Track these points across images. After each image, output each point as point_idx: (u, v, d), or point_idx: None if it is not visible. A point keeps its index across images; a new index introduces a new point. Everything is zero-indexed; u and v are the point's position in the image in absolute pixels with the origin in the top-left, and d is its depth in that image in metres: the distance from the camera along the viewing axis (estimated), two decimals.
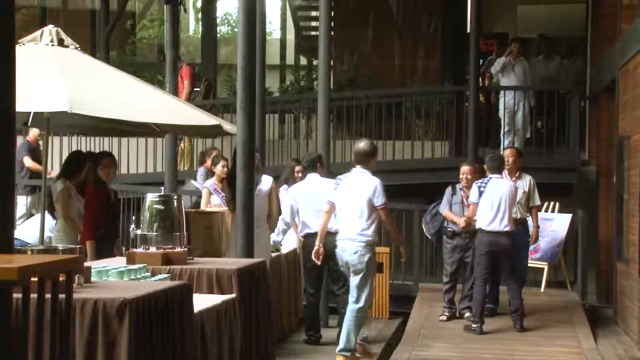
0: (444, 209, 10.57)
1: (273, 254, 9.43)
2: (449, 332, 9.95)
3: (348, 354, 8.17)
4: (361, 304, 8.13)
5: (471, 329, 9.80)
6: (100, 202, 8.52)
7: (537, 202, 10.51)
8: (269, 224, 8.99)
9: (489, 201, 9.82)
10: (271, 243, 9.21)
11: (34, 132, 12.29)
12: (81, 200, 8.64)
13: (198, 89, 14.88)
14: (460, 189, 10.51)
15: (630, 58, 10.37)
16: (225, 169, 10.31)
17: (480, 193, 9.90)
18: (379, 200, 8.09)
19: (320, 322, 9.80)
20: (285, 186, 10.30)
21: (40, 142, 12.45)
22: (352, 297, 8.18)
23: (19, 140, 12.71)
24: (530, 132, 14.65)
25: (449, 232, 10.51)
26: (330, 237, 8.57)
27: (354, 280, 8.13)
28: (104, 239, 8.55)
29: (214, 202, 10.14)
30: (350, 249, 8.15)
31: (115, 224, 9.02)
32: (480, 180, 10.07)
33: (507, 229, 9.77)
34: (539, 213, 10.89)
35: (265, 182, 8.89)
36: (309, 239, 9.17)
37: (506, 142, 14.09)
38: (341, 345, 8.20)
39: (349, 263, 8.18)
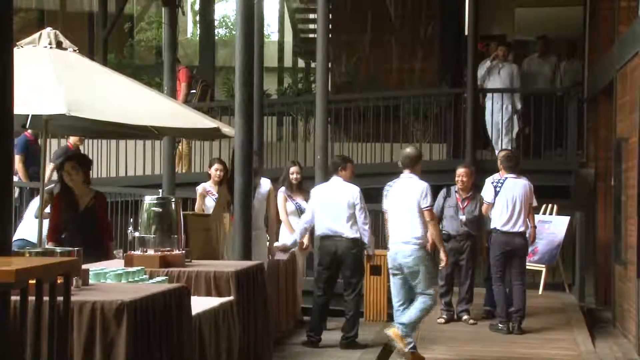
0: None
1: (277, 257, 9.48)
2: (448, 334, 9.96)
3: (410, 340, 8.53)
4: (428, 299, 8.52)
5: (498, 328, 9.93)
6: (59, 208, 8.34)
7: (534, 203, 10.46)
8: (267, 226, 9.00)
9: (504, 201, 9.87)
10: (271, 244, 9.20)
11: (74, 138, 12.13)
12: None
13: (194, 91, 14.85)
14: (456, 191, 10.52)
15: (628, 60, 10.39)
16: (219, 172, 10.30)
17: (496, 193, 9.95)
18: (425, 203, 8.52)
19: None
20: (282, 188, 10.30)
21: (80, 148, 12.40)
22: (418, 294, 8.55)
23: (57, 143, 12.71)
24: (512, 137, 14.45)
25: (443, 235, 10.51)
26: (340, 241, 9.08)
27: (413, 282, 8.50)
28: (68, 244, 8.26)
29: (208, 204, 10.14)
30: (404, 252, 8.46)
31: (87, 229, 8.25)
32: (496, 180, 10.11)
33: (521, 229, 9.84)
34: (536, 215, 10.91)
35: (264, 185, 8.91)
36: (323, 241, 9.36)
37: (503, 145, 14.08)
38: (405, 331, 8.54)
39: (404, 265, 8.47)
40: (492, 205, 9.99)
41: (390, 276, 8.83)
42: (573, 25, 15.77)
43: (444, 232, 10.49)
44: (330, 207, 9.30)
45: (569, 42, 15.41)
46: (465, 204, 10.42)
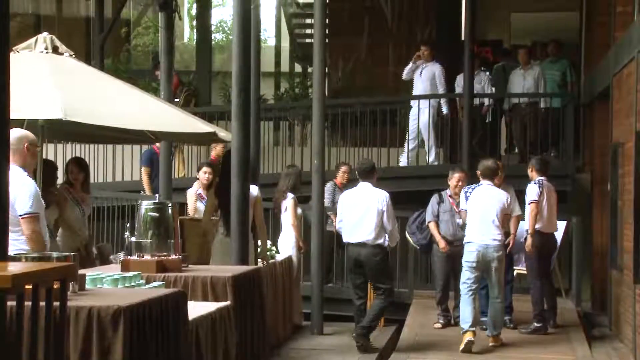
0: (430, 219, 10.55)
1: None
2: (444, 339, 9.94)
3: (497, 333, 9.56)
4: (501, 295, 9.52)
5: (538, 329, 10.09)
6: None
7: (517, 211, 10.19)
8: (254, 233, 8.91)
9: (472, 210, 9.71)
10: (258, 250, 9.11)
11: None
12: (81, 206, 8.69)
13: (177, 100, 14.71)
14: (450, 195, 10.45)
15: (624, 66, 10.41)
16: (207, 175, 10.32)
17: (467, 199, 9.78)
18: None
19: (321, 329, 9.84)
20: (290, 194, 10.29)
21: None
22: (494, 292, 9.50)
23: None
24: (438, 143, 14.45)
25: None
26: (364, 247, 9.13)
27: (495, 276, 9.41)
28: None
29: (200, 208, 10.16)
30: (493, 249, 9.35)
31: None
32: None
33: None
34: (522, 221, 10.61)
35: (251, 192, 8.78)
36: (349, 247, 9.37)
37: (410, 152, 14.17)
38: (493, 331, 9.57)
39: (493, 260, 9.33)
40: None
41: (471, 271, 9.37)
42: (569, 30, 15.79)
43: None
44: (356, 213, 9.23)
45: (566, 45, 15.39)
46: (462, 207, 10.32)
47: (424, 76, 14.34)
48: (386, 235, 9.24)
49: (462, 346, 9.29)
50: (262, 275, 7.65)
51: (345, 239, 9.48)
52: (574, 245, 12.20)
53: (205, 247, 8.64)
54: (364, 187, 9.38)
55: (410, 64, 14.39)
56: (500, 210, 9.44)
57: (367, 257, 9.21)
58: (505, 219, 9.65)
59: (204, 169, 10.51)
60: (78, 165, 8.78)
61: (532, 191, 10.15)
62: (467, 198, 9.71)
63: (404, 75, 14.47)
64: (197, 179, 10.76)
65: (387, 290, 9.41)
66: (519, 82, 14.31)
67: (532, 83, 14.24)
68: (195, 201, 10.43)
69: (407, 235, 11.10)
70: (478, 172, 9.88)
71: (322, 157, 10.77)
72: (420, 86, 14.39)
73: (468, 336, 9.39)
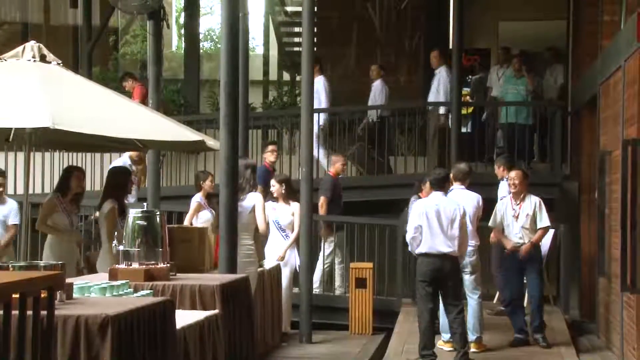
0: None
1: None
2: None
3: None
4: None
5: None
6: None
7: (544, 223, 9.94)
8: (256, 239, 8.92)
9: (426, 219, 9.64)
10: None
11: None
12: (69, 214, 8.76)
13: None
14: None
15: (611, 74, 10.45)
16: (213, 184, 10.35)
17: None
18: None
19: (310, 337, 9.80)
20: (270, 202, 10.29)
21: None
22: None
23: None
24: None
25: None
26: (444, 260, 8.92)
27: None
28: None
29: (204, 217, 10.15)
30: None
31: None
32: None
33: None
34: None
35: (249, 199, 8.80)
36: (425, 257, 9.03)
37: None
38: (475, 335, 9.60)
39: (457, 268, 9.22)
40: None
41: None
42: (556, 38, 15.85)
43: None
44: (431, 224, 8.98)
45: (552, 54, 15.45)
46: None
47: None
48: (464, 247, 9.14)
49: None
50: (250, 283, 7.64)
51: (420, 250, 9.07)
52: (562, 253, 12.22)
53: (188, 253, 8.58)
54: (439, 197, 9.15)
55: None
56: (472, 214, 9.46)
57: (448, 271, 8.97)
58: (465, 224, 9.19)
59: (210, 177, 10.54)
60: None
61: (504, 189, 10.20)
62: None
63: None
64: (199, 187, 10.65)
65: (461, 303, 9.15)
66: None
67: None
68: (198, 211, 10.38)
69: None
70: (451, 175, 9.87)
71: (311, 165, 10.78)
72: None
73: (448, 347, 9.41)
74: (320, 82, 14.33)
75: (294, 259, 10.57)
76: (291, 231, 10.44)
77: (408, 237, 9.19)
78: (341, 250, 12.49)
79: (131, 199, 10.70)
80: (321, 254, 12.31)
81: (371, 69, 15.03)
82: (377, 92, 14.90)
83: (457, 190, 9.70)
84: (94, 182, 14.15)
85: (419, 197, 10.89)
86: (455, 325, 9.03)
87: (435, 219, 8.95)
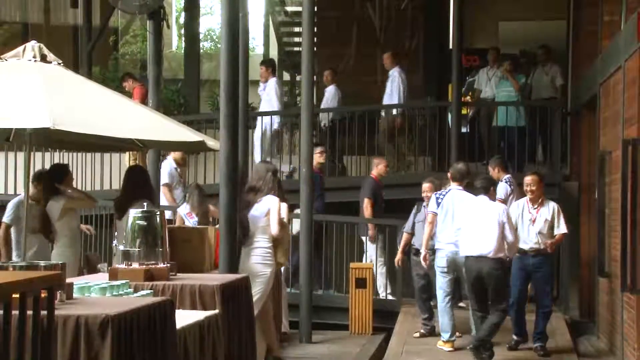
0: (406, 230, 10.52)
1: None
2: (432, 348, 9.93)
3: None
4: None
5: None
6: None
7: (563, 229, 9.78)
8: (277, 241, 8.85)
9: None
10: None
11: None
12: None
13: None
14: (424, 206, 10.39)
15: (611, 74, 10.46)
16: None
17: (438, 204, 9.78)
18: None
19: (310, 337, 9.79)
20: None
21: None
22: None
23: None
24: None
25: (413, 249, 10.38)
26: (485, 262, 8.92)
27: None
28: None
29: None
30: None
31: None
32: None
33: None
34: None
35: (265, 202, 8.66)
36: (469, 261, 9.07)
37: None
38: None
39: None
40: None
41: (444, 276, 9.56)
42: (556, 39, 15.85)
43: (414, 246, 10.43)
44: (477, 227, 9.04)
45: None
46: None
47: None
48: (508, 249, 9.13)
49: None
50: (250, 284, 7.64)
51: (466, 252, 9.11)
52: (562, 253, 12.22)
53: (188, 253, 8.57)
54: (483, 201, 9.18)
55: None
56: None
57: (489, 272, 8.98)
58: None
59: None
60: None
61: (502, 190, 10.19)
62: (438, 202, 9.71)
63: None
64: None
65: (503, 303, 9.14)
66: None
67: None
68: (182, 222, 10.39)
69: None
70: (449, 175, 9.92)
71: (310, 165, 10.77)
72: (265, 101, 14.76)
73: (448, 347, 9.45)
74: (272, 82, 14.55)
75: None
76: None
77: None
78: (384, 252, 12.45)
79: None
80: (373, 257, 12.24)
81: (324, 74, 15.14)
82: (331, 97, 15.06)
83: (455, 191, 9.67)
84: (94, 182, 14.16)
85: None
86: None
87: (474, 221, 9.06)
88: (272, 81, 14.61)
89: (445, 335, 9.64)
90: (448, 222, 9.57)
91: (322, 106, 14.98)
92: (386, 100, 14.59)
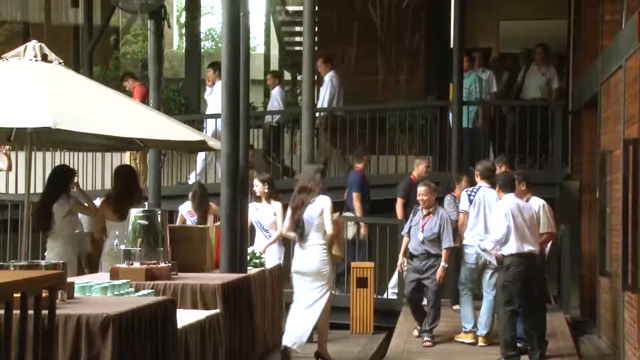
0: (403, 233, 10.46)
1: None
2: (433, 347, 9.92)
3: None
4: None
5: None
6: None
7: (546, 228, 9.78)
8: (331, 240, 8.90)
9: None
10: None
11: (421, 167, 12.06)
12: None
13: None
14: (419, 209, 10.23)
15: (612, 73, 10.45)
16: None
17: (471, 201, 9.82)
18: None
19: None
20: (254, 202, 10.25)
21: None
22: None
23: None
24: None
25: (408, 254, 10.31)
26: (534, 260, 9.00)
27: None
28: None
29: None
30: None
31: None
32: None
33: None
34: None
35: (318, 202, 8.68)
36: (516, 258, 9.01)
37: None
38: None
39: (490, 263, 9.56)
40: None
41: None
42: (558, 38, 15.85)
43: (409, 250, 10.33)
44: (523, 225, 9.02)
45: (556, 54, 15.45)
46: (425, 221, 10.03)
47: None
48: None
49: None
50: (251, 283, 7.65)
51: (510, 251, 9.01)
52: (563, 253, 12.22)
53: (189, 252, 8.57)
54: (518, 199, 9.18)
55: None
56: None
57: (536, 269, 9.08)
58: None
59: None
60: None
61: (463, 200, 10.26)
62: (470, 200, 9.76)
63: None
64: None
65: (542, 300, 9.38)
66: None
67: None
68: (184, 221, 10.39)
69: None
70: (477, 172, 9.97)
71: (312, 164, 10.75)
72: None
73: (469, 338, 9.57)
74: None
75: (276, 258, 10.42)
76: (274, 230, 10.36)
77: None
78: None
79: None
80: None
81: (267, 77, 15.36)
82: (276, 99, 15.24)
83: (485, 188, 9.77)
84: (95, 181, 14.17)
85: (454, 197, 10.97)
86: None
87: (519, 220, 9.05)
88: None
89: (468, 326, 9.71)
90: (479, 219, 9.71)
91: (268, 108, 15.20)
92: (319, 105, 14.46)
